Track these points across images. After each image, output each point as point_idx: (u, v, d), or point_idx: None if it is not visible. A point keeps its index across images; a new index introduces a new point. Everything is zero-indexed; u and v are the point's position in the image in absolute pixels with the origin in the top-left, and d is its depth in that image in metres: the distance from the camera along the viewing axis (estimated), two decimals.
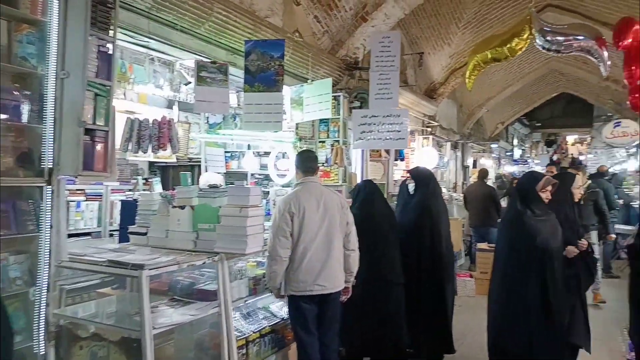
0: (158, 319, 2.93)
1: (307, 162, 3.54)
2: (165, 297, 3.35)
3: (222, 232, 3.33)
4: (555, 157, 24.29)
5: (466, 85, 6.02)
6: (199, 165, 6.62)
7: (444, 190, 9.06)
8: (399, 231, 4.19)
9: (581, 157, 26.16)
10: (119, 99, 5.03)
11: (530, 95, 16.42)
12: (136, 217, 3.76)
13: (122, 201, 4.70)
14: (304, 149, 5.72)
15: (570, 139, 27.58)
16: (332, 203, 3.41)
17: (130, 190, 5.21)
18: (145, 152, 4.32)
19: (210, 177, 5.67)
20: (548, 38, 4.92)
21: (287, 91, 5.68)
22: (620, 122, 10.29)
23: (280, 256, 3.24)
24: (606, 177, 8.45)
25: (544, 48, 5.07)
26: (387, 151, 7.91)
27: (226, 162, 6.85)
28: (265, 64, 4.55)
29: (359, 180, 6.73)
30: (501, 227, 4.03)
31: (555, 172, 5.65)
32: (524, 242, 3.56)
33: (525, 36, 5.05)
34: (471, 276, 7.18)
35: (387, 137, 4.90)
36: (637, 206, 8.68)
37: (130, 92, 5.32)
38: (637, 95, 4.54)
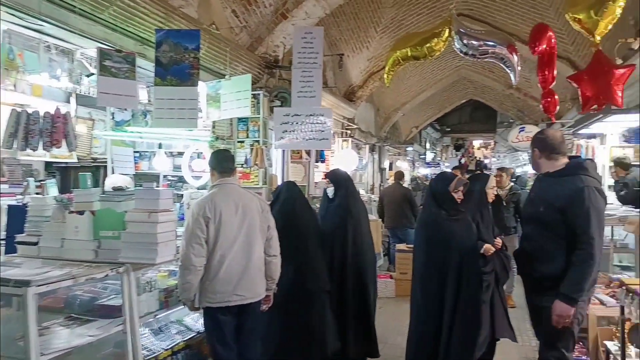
0: (50, 342, 2.60)
1: (223, 162, 3.30)
2: (60, 316, 2.99)
3: (129, 240, 3.06)
4: (462, 160, 25.81)
5: (384, 81, 6.02)
6: (105, 166, 6.10)
7: (362, 192, 9.14)
8: (323, 235, 4.06)
9: (485, 160, 28.12)
10: (7, 90, 4.44)
11: (442, 102, 17.27)
12: (25, 225, 3.34)
13: (10, 206, 4.14)
14: (220, 148, 5.42)
15: (477, 143, 29.53)
16: (251, 206, 3.21)
17: (20, 193, 4.61)
18: (34, 150, 3.80)
19: (117, 179, 5.25)
20: (465, 41, 5.07)
21: (203, 87, 5.35)
22: (524, 127, 11.09)
23: (195, 265, 2.96)
24: (513, 180, 8.94)
25: (461, 51, 5.22)
26: (308, 153, 7.80)
27: (135, 163, 6.41)
28: (179, 56, 4.21)
29: (280, 183, 6.55)
30: (417, 228, 4.05)
31: (461, 176, 5.76)
32: (440, 242, 3.58)
33: (444, 37, 5.18)
34: (391, 277, 7.24)
35: (310, 137, 4.75)
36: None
37: (22, 82, 4.71)
38: (549, 99, 4.80)
